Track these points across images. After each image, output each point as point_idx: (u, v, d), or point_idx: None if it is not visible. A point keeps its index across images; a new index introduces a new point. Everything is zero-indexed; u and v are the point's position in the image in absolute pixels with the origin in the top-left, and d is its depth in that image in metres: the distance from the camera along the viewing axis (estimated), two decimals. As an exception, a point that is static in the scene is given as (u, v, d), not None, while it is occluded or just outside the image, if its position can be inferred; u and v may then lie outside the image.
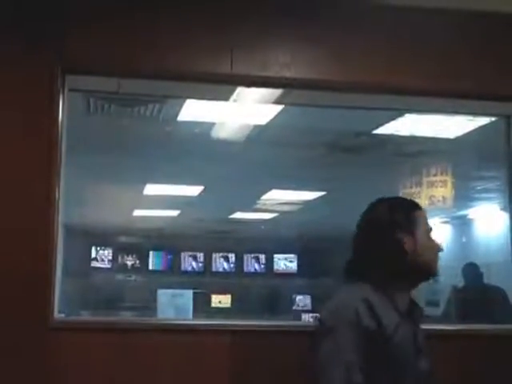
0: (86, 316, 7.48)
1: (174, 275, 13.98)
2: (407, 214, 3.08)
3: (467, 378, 3.96)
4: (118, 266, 14.24)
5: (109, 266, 14.01)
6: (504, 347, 4.03)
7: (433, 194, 5.53)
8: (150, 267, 14.53)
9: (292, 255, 14.85)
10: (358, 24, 4.07)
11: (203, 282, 13.55)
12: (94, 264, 14.08)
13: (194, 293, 11.99)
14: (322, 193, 9.94)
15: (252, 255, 14.76)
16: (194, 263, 14.60)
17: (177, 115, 5.60)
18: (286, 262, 14.90)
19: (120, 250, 14.39)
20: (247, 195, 10.21)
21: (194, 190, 9.64)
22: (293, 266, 14.91)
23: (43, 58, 3.79)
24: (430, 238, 3.08)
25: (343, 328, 2.75)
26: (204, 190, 9.53)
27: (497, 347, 4.02)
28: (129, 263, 14.50)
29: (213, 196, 9.81)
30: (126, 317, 7.96)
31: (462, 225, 11.77)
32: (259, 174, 8.17)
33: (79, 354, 3.68)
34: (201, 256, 14.65)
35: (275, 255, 14.86)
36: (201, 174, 8.34)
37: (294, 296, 14.39)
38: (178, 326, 4.07)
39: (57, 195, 3.76)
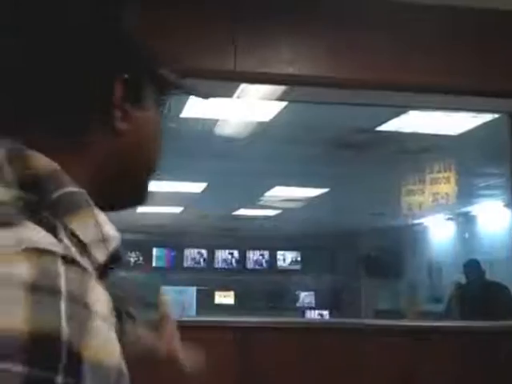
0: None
1: (177, 272, 13.99)
2: None
3: (470, 374, 3.97)
4: (121, 263, 14.25)
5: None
6: (507, 344, 4.04)
7: (436, 190, 5.52)
8: (154, 264, 14.55)
9: (295, 252, 14.85)
10: (360, 21, 4.08)
11: (206, 279, 13.57)
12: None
13: (198, 289, 12.02)
14: (326, 189, 9.94)
15: (255, 252, 14.76)
16: (197, 260, 14.61)
17: (180, 112, 5.60)
18: (289, 259, 14.90)
19: (123, 246, 14.38)
20: (251, 192, 10.21)
21: (197, 187, 9.65)
22: (296, 262, 14.92)
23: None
24: None
25: None
26: (207, 186, 9.54)
27: (499, 344, 4.03)
28: (132, 260, 14.52)
29: (216, 193, 9.82)
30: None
31: (465, 221, 11.77)
32: (263, 170, 8.17)
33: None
34: (204, 253, 14.66)
35: (278, 252, 14.86)
36: (204, 170, 8.35)
37: (297, 293, 14.41)
38: (182, 323, 4.08)
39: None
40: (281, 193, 10.21)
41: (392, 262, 12.71)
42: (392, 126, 6.03)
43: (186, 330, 4.20)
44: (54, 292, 0.71)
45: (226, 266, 14.62)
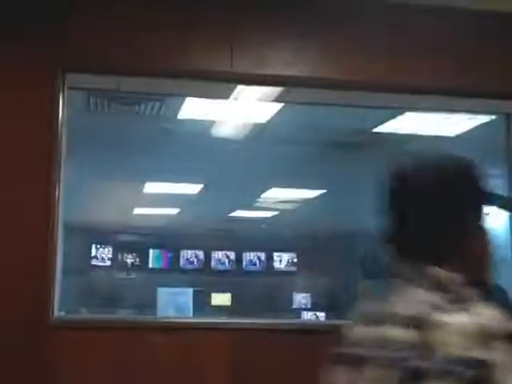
0: (85, 313, 7.50)
1: (173, 273, 13.96)
2: None
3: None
4: (118, 264, 14.22)
5: (109, 264, 13.99)
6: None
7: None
8: (150, 265, 14.50)
9: (292, 253, 14.84)
10: (358, 23, 4.08)
11: (203, 281, 13.54)
12: (94, 262, 14.10)
13: (194, 291, 11.98)
14: (323, 191, 9.94)
15: (252, 253, 14.75)
16: (193, 261, 14.59)
17: (177, 113, 5.60)
18: (285, 261, 14.89)
19: (120, 248, 14.38)
20: (247, 193, 10.21)
21: (194, 188, 9.63)
22: (293, 264, 14.91)
23: (43, 56, 3.79)
24: None
25: None
26: (204, 188, 9.52)
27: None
28: (129, 261, 14.49)
29: (213, 194, 9.81)
30: (126, 315, 7.98)
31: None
32: (259, 171, 8.16)
33: (79, 351, 3.69)
34: (200, 254, 14.64)
35: (275, 253, 14.84)
36: (201, 172, 8.34)
37: (293, 294, 14.39)
38: (178, 325, 4.08)
39: (57, 193, 3.76)
40: (277, 194, 10.21)
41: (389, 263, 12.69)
42: (389, 127, 6.03)
43: (183, 331, 4.17)
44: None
45: (223, 268, 14.59)
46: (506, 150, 4.42)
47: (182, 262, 14.53)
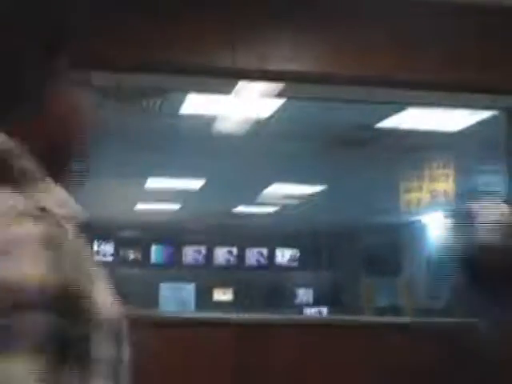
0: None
1: (175, 269, 13.99)
2: None
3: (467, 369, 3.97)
4: (119, 260, 14.24)
5: (110, 260, 14.01)
6: (503, 340, 4.04)
7: (434, 187, 5.52)
8: (152, 261, 14.54)
9: (294, 249, 14.85)
10: (360, 18, 4.07)
11: (205, 276, 13.56)
12: (96, 257, 14.11)
13: (196, 286, 11.99)
14: (325, 186, 9.95)
15: (254, 249, 14.76)
16: (195, 257, 14.61)
17: (179, 109, 5.60)
18: (288, 256, 14.91)
19: (122, 243, 14.39)
20: (249, 189, 10.21)
21: (195, 184, 9.64)
22: (295, 259, 14.92)
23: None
24: None
25: None
26: (206, 183, 9.53)
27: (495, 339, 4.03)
28: (131, 257, 14.52)
29: (215, 190, 9.81)
30: (128, 310, 7.98)
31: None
32: (261, 167, 8.17)
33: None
34: (203, 250, 14.66)
35: (277, 249, 14.86)
36: (203, 167, 8.34)
37: (296, 290, 14.41)
38: (180, 320, 4.09)
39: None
40: (280, 190, 10.21)
41: (391, 259, 12.72)
42: (391, 122, 6.03)
43: (185, 326, 4.16)
44: None
45: (225, 263, 14.61)
46: (507, 146, 4.42)
47: (184, 257, 14.56)
